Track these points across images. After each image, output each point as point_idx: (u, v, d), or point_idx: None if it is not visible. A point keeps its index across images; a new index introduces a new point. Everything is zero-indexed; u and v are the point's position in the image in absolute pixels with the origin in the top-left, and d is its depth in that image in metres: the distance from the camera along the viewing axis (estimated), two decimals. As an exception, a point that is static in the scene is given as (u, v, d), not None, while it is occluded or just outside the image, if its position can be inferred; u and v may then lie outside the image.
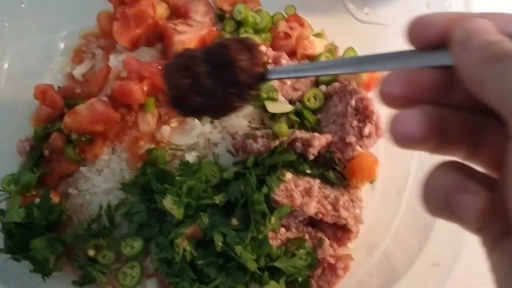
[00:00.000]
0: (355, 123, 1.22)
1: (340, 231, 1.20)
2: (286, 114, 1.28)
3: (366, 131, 1.20)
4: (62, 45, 1.50)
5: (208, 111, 0.82)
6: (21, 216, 1.18)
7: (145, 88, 1.27)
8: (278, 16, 1.46)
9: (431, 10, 1.10)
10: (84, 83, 1.45)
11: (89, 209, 1.29)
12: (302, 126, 1.30)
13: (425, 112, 0.51)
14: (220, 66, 0.76)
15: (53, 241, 1.21)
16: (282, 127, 1.20)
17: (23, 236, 1.19)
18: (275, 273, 1.14)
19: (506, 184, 0.47)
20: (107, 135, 1.28)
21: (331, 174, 1.23)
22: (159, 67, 1.28)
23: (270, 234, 1.16)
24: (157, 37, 1.40)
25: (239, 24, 1.41)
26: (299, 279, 1.15)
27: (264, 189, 1.13)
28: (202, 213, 1.14)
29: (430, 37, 0.54)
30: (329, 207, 1.17)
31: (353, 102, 1.23)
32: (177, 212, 1.12)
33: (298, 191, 1.16)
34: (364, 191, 1.25)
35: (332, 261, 1.16)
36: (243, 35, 1.38)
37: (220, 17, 1.45)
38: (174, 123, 1.29)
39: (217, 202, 1.14)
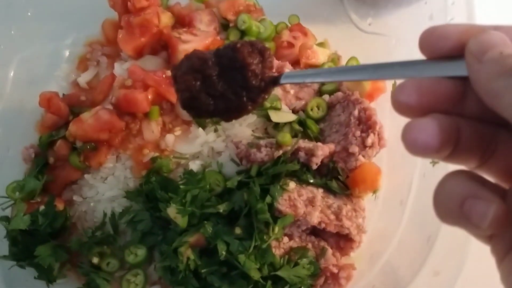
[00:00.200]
0: (358, 133, 1.23)
1: (343, 241, 1.21)
2: (290, 123, 1.29)
3: (369, 141, 1.21)
4: (67, 53, 1.52)
5: (219, 114, 0.81)
6: (26, 223, 1.19)
7: (149, 97, 1.28)
8: (282, 25, 1.48)
9: (434, 22, 1.11)
10: (89, 91, 1.46)
11: (93, 217, 1.30)
12: (305, 135, 1.31)
13: (439, 120, 0.52)
14: (232, 69, 0.77)
15: (58, 248, 1.22)
16: (286, 137, 1.21)
17: (28, 243, 1.20)
18: (278, 282, 1.15)
19: None
20: (112, 143, 1.29)
21: (334, 184, 1.23)
22: (164, 76, 1.29)
23: (273, 243, 1.17)
24: (162, 45, 1.41)
25: (243, 33, 1.43)
26: (302, 288, 1.15)
27: (268, 199, 1.14)
28: (206, 221, 1.15)
29: (444, 48, 0.55)
30: (332, 217, 1.18)
31: (356, 112, 1.24)
32: (181, 221, 1.13)
33: (302, 200, 1.17)
34: (367, 200, 1.25)
35: (334, 270, 1.17)
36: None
37: (224, 26, 1.46)
38: (178, 131, 1.30)
39: (221, 211, 1.15)
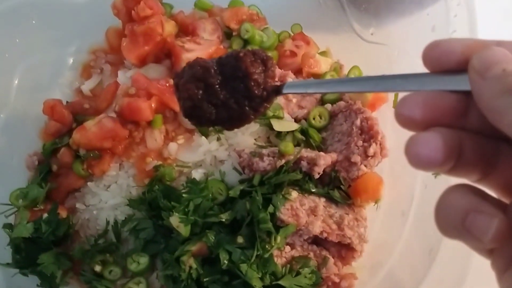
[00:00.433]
0: (360, 142, 1.23)
1: (345, 250, 1.21)
2: (292, 132, 1.30)
3: (371, 151, 1.21)
4: (71, 60, 1.52)
5: (222, 122, 0.81)
6: (29, 231, 1.20)
7: (153, 105, 1.29)
8: (285, 34, 1.49)
9: (437, 33, 1.12)
10: (92, 98, 1.47)
11: (96, 224, 1.31)
12: (308, 144, 1.31)
13: (443, 134, 0.52)
14: (234, 78, 0.77)
15: (60, 256, 1.22)
16: (288, 146, 1.21)
17: (31, 251, 1.21)
18: (279, 291, 1.15)
19: None
20: (115, 151, 1.30)
21: (336, 193, 1.24)
22: (167, 84, 1.30)
23: (275, 252, 1.17)
24: (165, 54, 1.42)
25: (246, 42, 1.43)
26: (304, 297, 1.16)
27: (270, 208, 1.15)
28: (208, 230, 1.15)
29: (447, 62, 0.55)
30: (334, 226, 1.18)
31: (358, 122, 1.25)
32: (184, 230, 1.14)
33: (304, 210, 1.18)
34: (368, 210, 1.26)
35: (336, 279, 1.17)
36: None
37: (228, 35, 1.47)
38: (181, 140, 1.31)
39: (223, 220, 1.16)
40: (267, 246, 1.14)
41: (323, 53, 1.47)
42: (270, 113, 1.28)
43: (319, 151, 1.27)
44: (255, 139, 1.31)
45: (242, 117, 0.78)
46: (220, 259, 1.12)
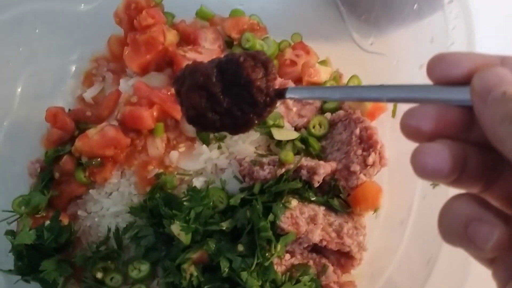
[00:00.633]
0: (359, 151, 1.24)
1: (344, 258, 1.23)
2: (292, 141, 1.31)
3: (370, 160, 1.23)
4: (73, 68, 1.54)
5: (226, 128, 0.81)
6: (32, 238, 1.21)
7: (154, 114, 1.30)
8: (285, 43, 1.50)
9: (435, 45, 1.14)
10: (94, 106, 1.48)
11: (97, 231, 1.32)
12: (307, 153, 1.33)
13: (449, 146, 0.53)
14: (236, 85, 0.76)
15: (62, 262, 1.23)
16: (288, 155, 1.23)
17: (33, 258, 1.22)
18: (280, 299, 1.16)
19: None
20: (117, 159, 1.31)
21: (335, 202, 1.25)
22: (169, 93, 1.31)
23: (275, 260, 1.18)
24: (167, 62, 1.43)
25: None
26: (303, 305, 1.17)
27: (270, 216, 1.16)
28: (209, 238, 1.16)
29: (452, 75, 0.55)
30: (333, 234, 1.19)
31: (357, 131, 1.26)
32: (185, 238, 1.15)
33: (303, 218, 1.19)
34: (368, 219, 1.27)
35: (335, 287, 1.18)
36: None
37: (229, 44, 1.49)
38: (182, 148, 1.32)
39: (224, 228, 1.17)
40: (267, 254, 1.15)
41: (323, 62, 1.48)
42: (270, 122, 1.30)
43: (318, 160, 1.28)
44: (255, 148, 1.32)
45: (246, 123, 0.79)
46: (220, 267, 1.13)
